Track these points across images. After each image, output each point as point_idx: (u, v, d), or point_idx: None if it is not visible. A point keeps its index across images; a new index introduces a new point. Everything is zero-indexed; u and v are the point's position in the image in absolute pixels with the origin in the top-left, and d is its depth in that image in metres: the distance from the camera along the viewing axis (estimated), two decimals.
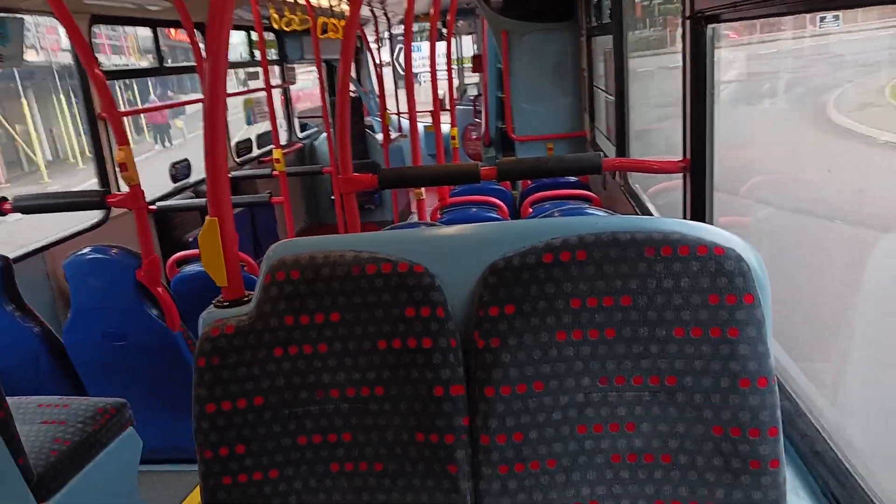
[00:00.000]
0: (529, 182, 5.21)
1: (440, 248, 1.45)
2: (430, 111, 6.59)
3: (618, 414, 1.35)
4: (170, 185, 5.68)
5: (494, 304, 1.36)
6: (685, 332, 1.30)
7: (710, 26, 2.15)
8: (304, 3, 6.03)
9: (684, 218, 2.42)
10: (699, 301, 1.29)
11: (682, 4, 2.25)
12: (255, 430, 1.44)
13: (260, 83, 5.75)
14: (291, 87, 8.18)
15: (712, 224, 2.24)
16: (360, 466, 1.45)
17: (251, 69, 7.62)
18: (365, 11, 8.14)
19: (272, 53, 7.85)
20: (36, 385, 3.25)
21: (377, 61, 8.61)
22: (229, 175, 1.76)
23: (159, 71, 5.71)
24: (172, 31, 6.70)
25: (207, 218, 1.57)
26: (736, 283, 1.27)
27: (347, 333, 1.42)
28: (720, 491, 1.31)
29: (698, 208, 2.33)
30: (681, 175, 2.44)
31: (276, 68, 7.85)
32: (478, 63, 8.92)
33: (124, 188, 3.26)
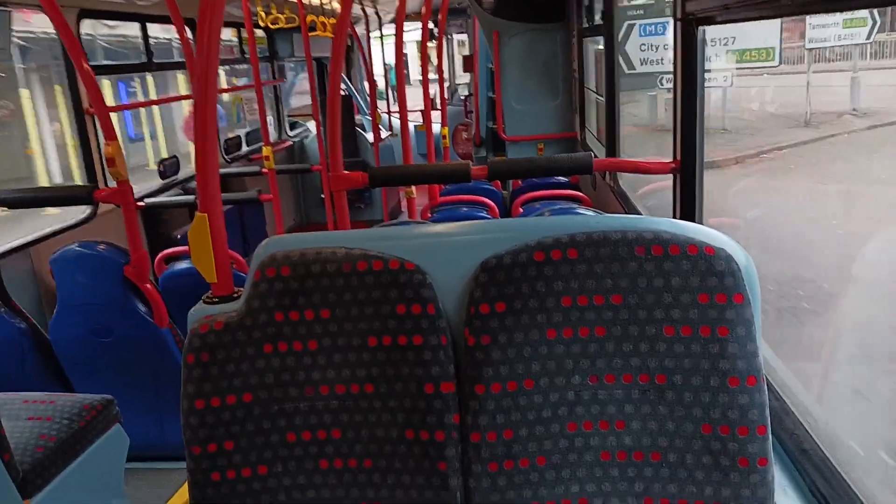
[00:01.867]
0: (520, 182, 5.23)
1: (431, 245, 1.45)
2: (421, 110, 6.60)
3: (608, 412, 1.35)
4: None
5: (485, 301, 1.36)
6: (675, 330, 1.31)
7: (700, 28, 2.17)
8: (294, 0, 6.02)
9: (674, 217, 2.43)
10: (689, 300, 1.30)
11: (673, 6, 2.27)
12: (244, 426, 1.44)
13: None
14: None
15: (702, 224, 2.26)
16: (350, 463, 1.45)
17: (241, 66, 7.59)
18: (356, 9, 8.12)
19: (262, 51, 7.82)
20: (22, 381, 3.22)
21: (368, 60, 8.59)
22: (219, 172, 1.76)
23: (148, 67, 5.67)
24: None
25: (197, 214, 1.57)
26: (726, 283, 1.28)
27: (337, 330, 1.42)
28: (709, 489, 1.32)
29: (688, 208, 2.35)
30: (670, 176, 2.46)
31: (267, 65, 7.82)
32: (469, 63, 8.93)
33: (112, 184, 3.24)
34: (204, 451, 1.44)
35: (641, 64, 4.67)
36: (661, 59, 4.65)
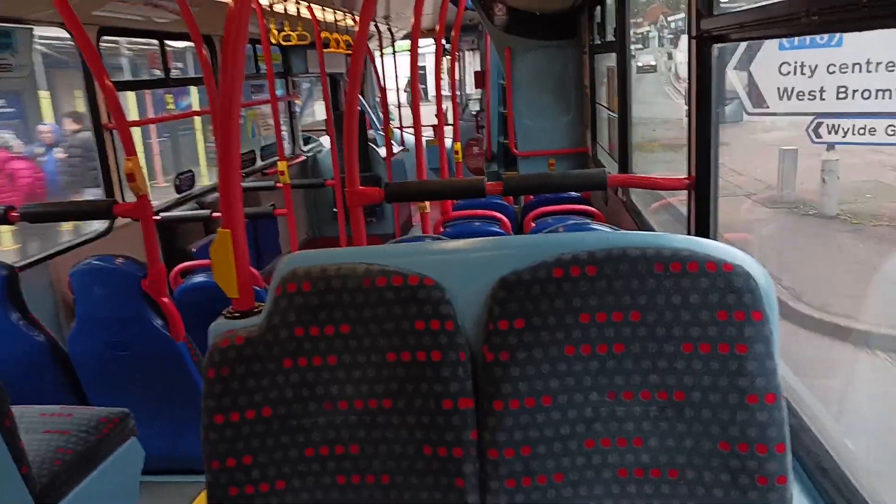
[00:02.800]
0: (531, 197, 5.24)
1: (450, 261, 1.46)
2: (433, 126, 6.64)
3: (626, 429, 1.35)
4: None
5: (504, 317, 1.37)
6: (694, 347, 1.31)
7: (715, 46, 2.18)
8: (309, 18, 6.09)
9: (689, 233, 2.43)
10: (708, 317, 1.30)
11: (687, 24, 2.28)
12: (263, 441, 1.45)
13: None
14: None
15: (717, 240, 2.25)
16: (368, 479, 1.45)
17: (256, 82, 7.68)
18: (370, 26, 8.21)
19: (277, 67, 7.91)
20: (39, 394, 3.25)
21: (381, 76, 8.67)
22: None
23: (166, 83, 5.75)
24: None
25: (219, 230, 1.59)
26: (745, 300, 1.28)
27: (357, 345, 1.43)
28: None
29: (703, 225, 2.35)
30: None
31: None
32: (480, 79, 8.98)
33: (129, 198, 3.28)
34: (223, 465, 1.45)
35: None
36: None
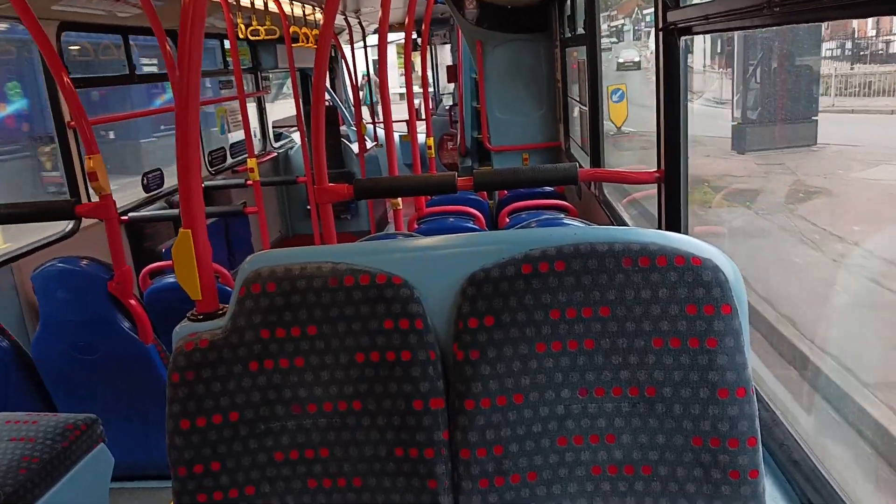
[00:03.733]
0: (506, 192, 5.23)
1: (419, 259, 1.44)
2: (405, 121, 6.60)
3: (598, 426, 1.35)
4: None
5: (474, 315, 1.35)
6: (664, 342, 1.31)
7: (682, 38, 2.19)
8: (276, 11, 6.00)
9: (659, 228, 2.44)
10: (677, 311, 1.29)
11: (655, 17, 2.28)
12: (231, 446, 1.42)
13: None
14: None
15: (687, 234, 2.26)
16: (339, 482, 1.43)
17: (225, 77, 7.56)
18: (339, 20, 8.13)
19: (246, 62, 7.80)
20: (3, 401, 3.16)
21: (352, 70, 8.60)
22: (202, 185, 1.74)
23: (130, 79, 5.63)
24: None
25: (181, 230, 1.55)
26: (713, 294, 1.28)
27: (324, 347, 1.40)
28: (700, 501, 1.32)
29: (673, 218, 2.36)
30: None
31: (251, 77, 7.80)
32: (453, 73, 8.95)
33: (95, 198, 3.21)
34: (190, 472, 1.41)
35: None
36: None
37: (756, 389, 1.33)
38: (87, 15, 4.67)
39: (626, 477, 1.35)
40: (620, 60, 11.63)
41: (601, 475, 1.36)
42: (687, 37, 2.17)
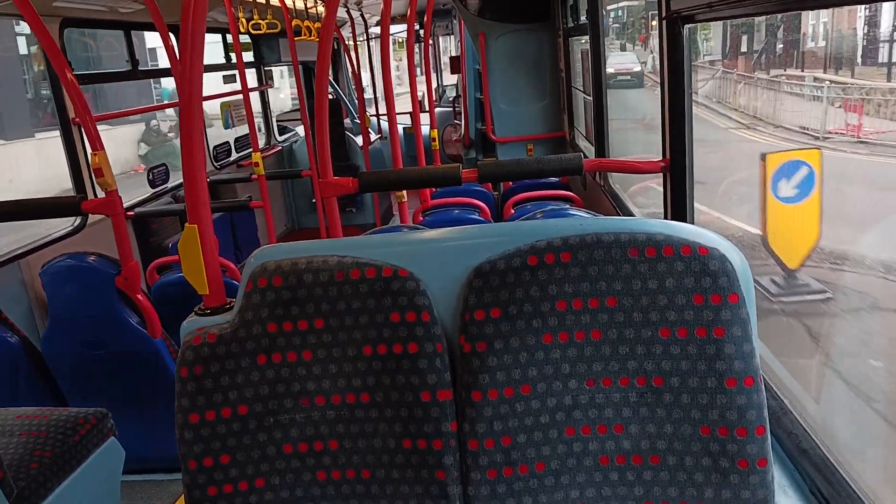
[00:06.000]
0: (511, 183, 5.22)
1: (425, 251, 1.44)
2: (409, 113, 6.58)
3: (605, 416, 1.35)
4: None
5: (480, 307, 1.35)
6: (671, 332, 1.31)
7: (686, 26, 2.17)
8: (278, 4, 5.98)
9: (665, 217, 2.43)
10: (684, 301, 1.29)
11: (658, 5, 2.27)
12: (240, 439, 1.43)
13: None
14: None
15: (693, 223, 2.26)
16: (348, 474, 1.44)
17: (229, 72, 7.55)
18: (341, 13, 8.11)
19: (249, 56, 7.79)
20: (14, 396, 3.19)
21: (355, 63, 8.58)
22: (208, 179, 1.74)
23: (134, 75, 5.64)
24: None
25: (186, 225, 1.55)
26: (720, 283, 1.28)
27: (332, 340, 1.41)
28: (709, 491, 1.32)
29: (679, 207, 2.35)
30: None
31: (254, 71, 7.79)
32: (456, 64, 8.91)
33: (101, 194, 3.22)
34: (200, 465, 1.42)
35: None
36: None
37: (764, 378, 1.33)
38: (89, 11, 4.67)
39: (634, 467, 1.36)
40: (610, 70, 7.75)
41: (609, 465, 1.37)
42: (690, 24, 2.16)
